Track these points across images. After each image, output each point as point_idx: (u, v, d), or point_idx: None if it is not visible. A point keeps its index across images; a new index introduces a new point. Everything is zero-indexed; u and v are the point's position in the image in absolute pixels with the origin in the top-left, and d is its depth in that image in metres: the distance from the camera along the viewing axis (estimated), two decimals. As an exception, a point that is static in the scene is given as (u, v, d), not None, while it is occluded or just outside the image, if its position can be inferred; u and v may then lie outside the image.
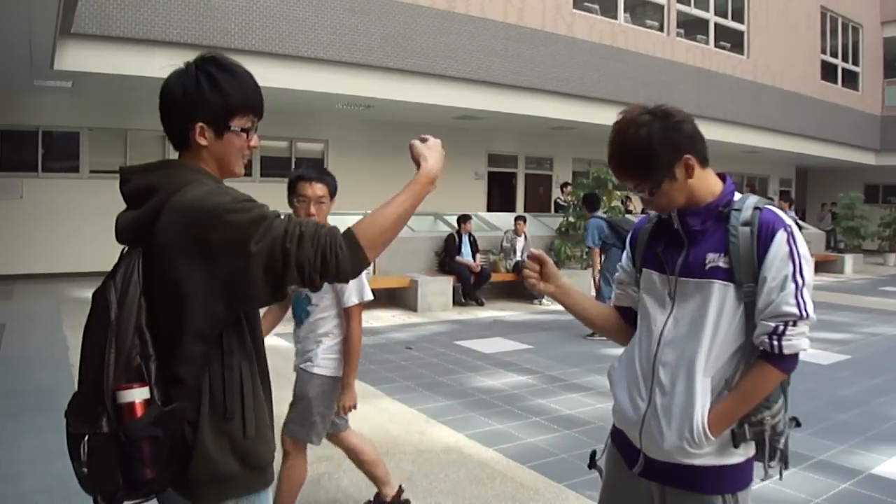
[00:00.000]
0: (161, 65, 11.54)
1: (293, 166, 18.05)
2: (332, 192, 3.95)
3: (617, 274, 2.50)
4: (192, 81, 2.00)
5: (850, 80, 27.82)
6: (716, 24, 22.53)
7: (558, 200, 17.65)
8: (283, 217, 1.86)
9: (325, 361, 3.85)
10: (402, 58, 15.37)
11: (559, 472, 4.89)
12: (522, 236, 13.33)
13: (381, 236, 1.96)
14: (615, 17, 19.93)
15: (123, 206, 2.00)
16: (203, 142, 2.00)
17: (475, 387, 7.12)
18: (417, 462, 4.98)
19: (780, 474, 2.19)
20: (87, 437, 1.76)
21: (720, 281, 2.08)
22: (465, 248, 12.73)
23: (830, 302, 13.07)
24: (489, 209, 20.12)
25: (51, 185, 14.75)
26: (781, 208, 8.30)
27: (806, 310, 1.99)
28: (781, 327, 1.99)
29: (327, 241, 1.82)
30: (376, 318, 11.01)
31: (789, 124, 23.85)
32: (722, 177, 2.23)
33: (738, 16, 23.06)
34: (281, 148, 18.14)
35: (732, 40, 23.00)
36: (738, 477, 2.13)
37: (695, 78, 21.00)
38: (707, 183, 2.17)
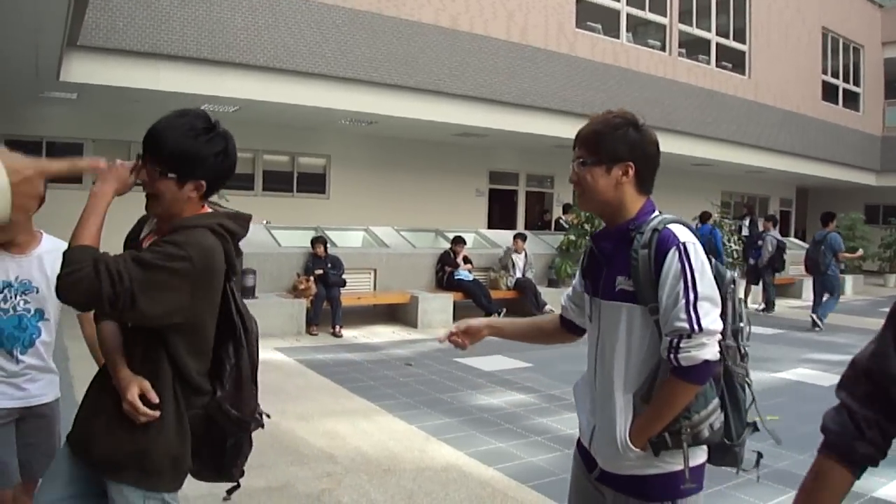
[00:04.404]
0: (167, 78, 11.66)
1: (295, 181, 18.10)
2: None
3: (569, 289, 2.67)
4: None
5: (851, 100, 27.86)
6: (717, 44, 22.61)
7: (561, 221, 17.65)
8: None
9: None
10: (406, 75, 15.44)
11: (560, 491, 4.84)
12: (522, 253, 13.33)
13: None
14: (617, 37, 20.03)
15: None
16: None
17: (475, 405, 7.11)
18: (418, 480, 4.96)
19: (738, 472, 2.44)
20: None
21: (627, 303, 2.21)
22: (464, 273, 12.63)
23: (831, 323, 13.06)
24: (490, 226, 20.13)
25: (54, 195, 14.44)
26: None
27: (699, 323, 2.06)
28: (676, 341, 2.08)
29: None
30: (376, 334, 11.00)
31: (790, 144, 23.90)
32: (646, 203, 2.34)
33: (740, 36, 23.14)
34: (283, 162, 18.18)
35: (734, 60, 23.08)
36: (672, 484, 2.20)
37: (696, 97, 21.07)
38: (630, 205, 2.30)
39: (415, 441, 5.88)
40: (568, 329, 2.67)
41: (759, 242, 15.25)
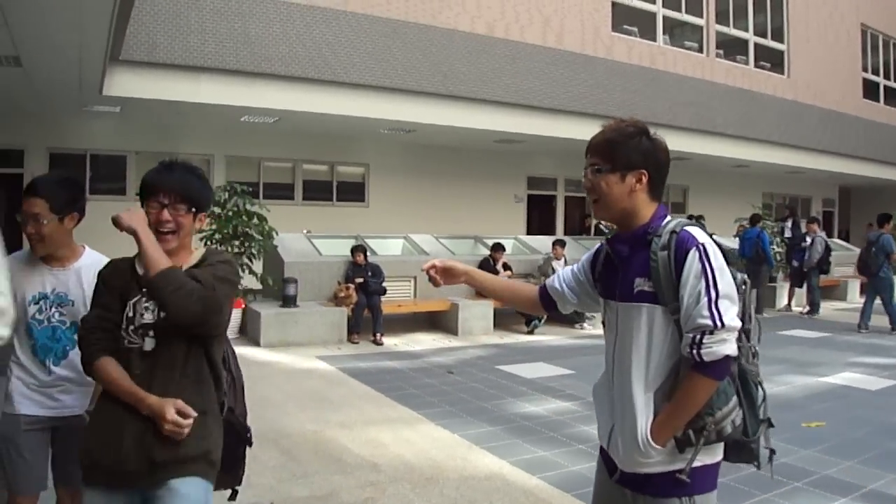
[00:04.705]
0: (207, 90, 11.84)
1: (335, 190, 18.21)
2: (59, 207, 3.11)
3: (565, 270, 2.79)
4: None
5: (893, 97, 27.38)
6: (755, 44, 22.40)
7: (601, 226, 17.53)
8: None
9: None
10: (443, 82, 15.49)
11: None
12: (562, 260, 13.27)
13: None
14: (654, 39, 19.92)
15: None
16: None
17: (517, 412, 7.09)
18: (461, 489, 4.96)
19: (760, 467, 2.41)
20: None
21: (647, 304, 2.28)
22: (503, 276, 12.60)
23: (877, 326, 12.83)
24: (529, 232, 20.08)
25: (98, 206, 14.70)
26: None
27: (721, 319, 2.14)
28: (698, 337, 2.15)
29: None
30: (417, 342, 11.03)
31: (831, 143, 23.54)
32: (659, 208, 2.42)
33: (778, 35, 22.90)
34: (322, 172, 18.29)
35: (772, 60, 22.84)
36: (696, 480, 2.25)
37: (735, 98, 20.87)
38: (644, 211, 2.37)
39: (457, 450, 5.87)
40: (545, 305, 2.80)
41: (803, 244, 15.02)
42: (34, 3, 7.36)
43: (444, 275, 2.78)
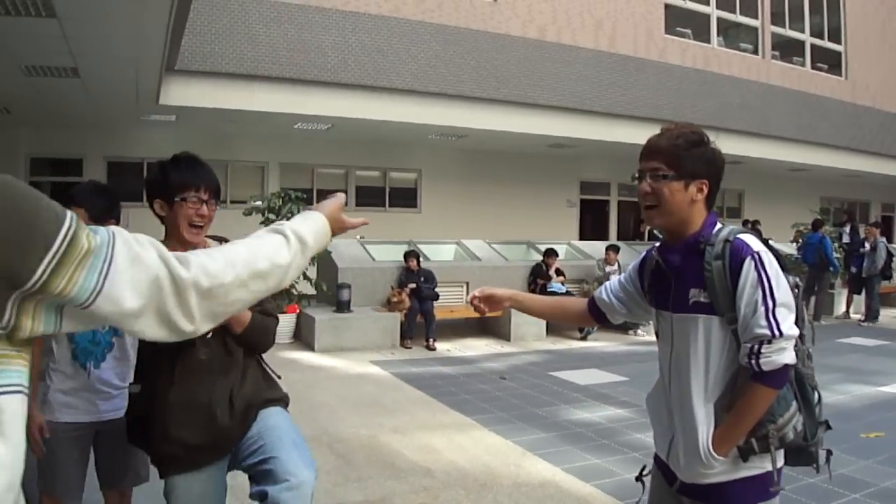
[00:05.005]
0: (261, 98, 12.03)
1: (387, 196, 18.31)
2: (97, 215, 3.21)
3: (612, 281, 2.77)
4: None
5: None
6: (812, 45, 22.03)
7: (656, 232, 17.36)
8: None
9: None
10: (494, 87, 15.50)
11: (659, 508, 4.80)
12: (615, 265, 13.17)
13: None
14: (708, 41, 19.71)
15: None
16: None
17: (571, 419, 7.05)
18: (514, 496, 4.95)
19: (819, 470, 2.39)
20: None
21: (704, 315, 2.26)
22: (557, 285, 12.51)
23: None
24: (582, 237, 19.98)
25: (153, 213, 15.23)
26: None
27: (779, 328, 2.13)
28: (757, 347, 2.13)
29: None
30: (469, 348, 11.04)
31: (892, 147, 23.02)
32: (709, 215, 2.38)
33: (835, 36, 22.49)
34: (375, 178, 18.42)
35: (830, 61, 22.43)
36: (758, 488, 2.25)
37: (792, 101, 20.53)
38: (697, 219, 2.33)
39: (511, 456, 5.86)
40: (595, 317, 2.80)
41: (861, 250, 14.69)
42: (92, 17, 7.56)
43: (487, 302, 2.78)
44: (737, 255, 2.20)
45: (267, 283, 1.41)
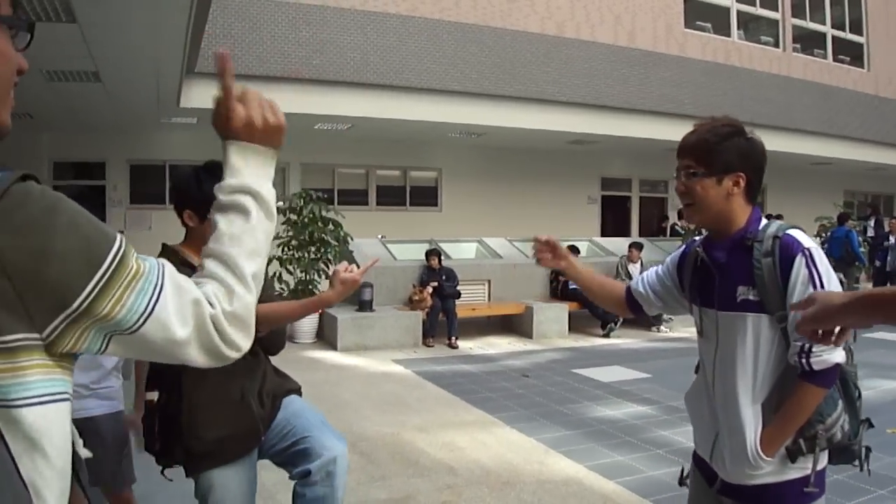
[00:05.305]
0: (282, 99, 12.14)
1: (408, 195, 18.33)
2: None
3: (649, 273, 2.72)
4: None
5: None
6: (833, 38, 21.83)
7: (676, 227, 17.28)
8: None
9: None
10: (514, 85, 15.48)
11: (684, 505, 4.79)
12: (638, 263, 13.12)
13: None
14: (728, 35, 19.59)
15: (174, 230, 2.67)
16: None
17: (594, 416, 7.04)
18: (538, 493, 4.96)
19: (863, 468, 2.31)
20: None
21: (752, 313, 2.20)
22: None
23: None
24: (603, 234, 19.91)
25: (177, 216, 15.35)
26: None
27: None
28: (808, 345, 2.07)
29: None
30: (491, 345, 11.04)
31: (916, 139, 22.78)
32: (754, 210, 2.33)
33: (856, 27, 22.27)
34: (395, 177, 18.47)
35: (851, 53, 22.22)
36: (803, 490, 2.20)
37: (814, 94, 20.36)
38: (740, 214, 2.27)
39: (534, 454, 5.86)
40: (631, 307, 2.73)
41: (886, 244, 14.57)
42: (113, 21, 7.62)
43: (551, 250, 2.75)
44: (787, 251, 2.16)
45: (262, 270, 1.37)
